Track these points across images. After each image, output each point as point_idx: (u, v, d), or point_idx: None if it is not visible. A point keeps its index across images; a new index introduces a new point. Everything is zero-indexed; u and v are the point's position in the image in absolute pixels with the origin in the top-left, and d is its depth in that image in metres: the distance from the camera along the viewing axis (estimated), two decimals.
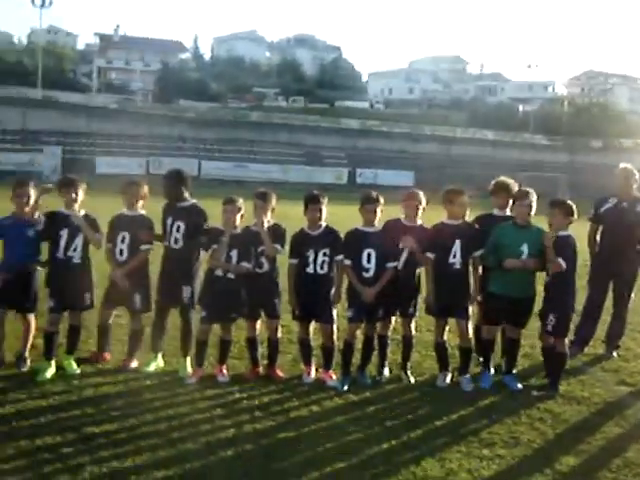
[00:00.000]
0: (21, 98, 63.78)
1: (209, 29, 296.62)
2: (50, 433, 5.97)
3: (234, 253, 7.50)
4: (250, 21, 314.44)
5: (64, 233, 7.39)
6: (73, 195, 7.45)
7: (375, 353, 7.96)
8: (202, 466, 5.58)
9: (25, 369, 7.54)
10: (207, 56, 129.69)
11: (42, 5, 69.21)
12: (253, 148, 59.50)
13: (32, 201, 7.51)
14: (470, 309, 7.88)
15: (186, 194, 7.81)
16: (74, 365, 7.60)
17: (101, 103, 67.97)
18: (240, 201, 7.60)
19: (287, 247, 7.71)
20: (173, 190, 7.77)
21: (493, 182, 8.27)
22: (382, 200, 7.71)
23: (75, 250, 7.45)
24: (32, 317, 7.74)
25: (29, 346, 7.75)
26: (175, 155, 54.59)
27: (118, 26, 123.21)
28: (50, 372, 7.37)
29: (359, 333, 7.86)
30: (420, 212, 7.80)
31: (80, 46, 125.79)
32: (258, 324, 7.81)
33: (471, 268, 7.81)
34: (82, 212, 7.61)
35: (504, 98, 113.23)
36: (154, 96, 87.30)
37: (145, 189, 7.80)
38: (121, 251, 7.64)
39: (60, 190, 7.49)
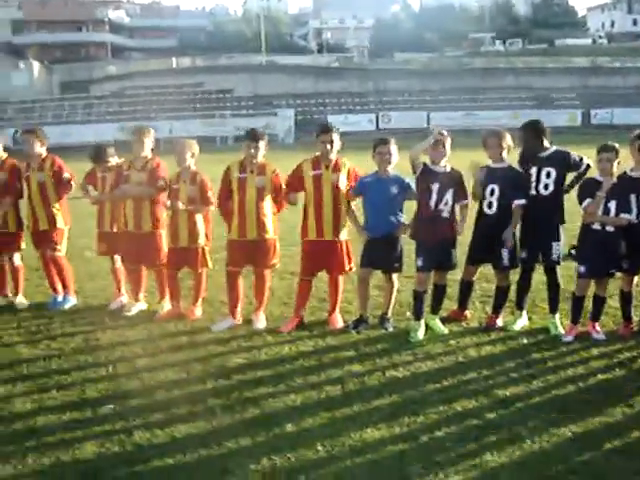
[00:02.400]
0: (248, 65, 66.42)
1: None
2: (463, 397, 5.75)
3: (612, 204, 6.91)
4: None
5: (435, 187, 7.14)
6: (442, 149, 7.15)
7: None
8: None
9: (390, 329, 7.48)
10: (416, 7, 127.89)
11: None
12: (479, 96, 57.85)
13: (394, 159, 7.36)
14: None
15: (546, 143, 7.30)
16: (440, 325, 7.42)
17: (324, 63, 69.06)
18: (615, 146, 6.95)
19: None
20: (534, 142, 7.31)
21: None
22: None
23: (446, 204, 7.17)
24: (395, 277, 7.62)
25: (391, 306, 7.68)
26: (402, 109, 54.37)
27: None
28: (421, 332, 7.24)
29: None
30: None
31: (291, 10, 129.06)
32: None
33: None
34: (448, 168, 7.33)
35: None
36: (369, 51, 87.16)
37: (508, 139, 7.34)
38: (490, 204, 7.27)
39: (436, 147, 7.20)
